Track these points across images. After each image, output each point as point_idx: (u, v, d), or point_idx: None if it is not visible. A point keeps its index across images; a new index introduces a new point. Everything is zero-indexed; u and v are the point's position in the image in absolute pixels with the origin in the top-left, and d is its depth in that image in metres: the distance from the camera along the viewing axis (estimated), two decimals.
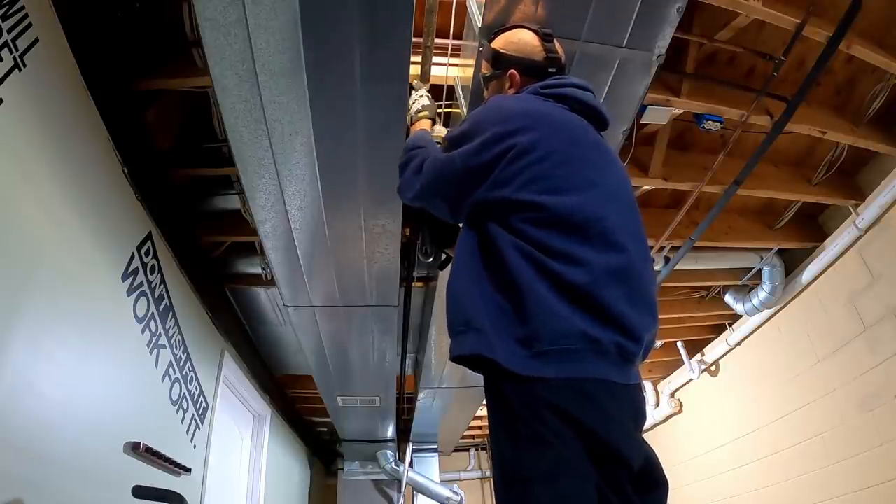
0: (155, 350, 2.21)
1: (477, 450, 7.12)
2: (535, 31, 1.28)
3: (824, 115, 2.53)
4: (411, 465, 5.50)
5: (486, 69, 1.33)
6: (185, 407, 2.52)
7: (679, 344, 4.53)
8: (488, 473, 6.96)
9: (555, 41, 1.28)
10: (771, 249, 3.32)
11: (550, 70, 1.22)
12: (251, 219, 2.08)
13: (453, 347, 0.94)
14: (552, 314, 0.85)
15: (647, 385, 5.13)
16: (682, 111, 2.34)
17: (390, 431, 4.87)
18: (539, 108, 1.09)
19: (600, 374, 0.85)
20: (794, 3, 1.98)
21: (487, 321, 0.89)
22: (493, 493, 0.89)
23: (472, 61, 1.59)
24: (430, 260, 1.54)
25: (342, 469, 5.65)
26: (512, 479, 0.83)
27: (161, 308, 2.27)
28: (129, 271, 2.00)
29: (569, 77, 1.23)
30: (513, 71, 1.23)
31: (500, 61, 1.28)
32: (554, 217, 0.93)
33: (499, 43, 1.30)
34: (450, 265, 1.62)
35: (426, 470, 5.79)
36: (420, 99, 1.56)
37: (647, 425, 1.01)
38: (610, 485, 0.80)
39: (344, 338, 2.90)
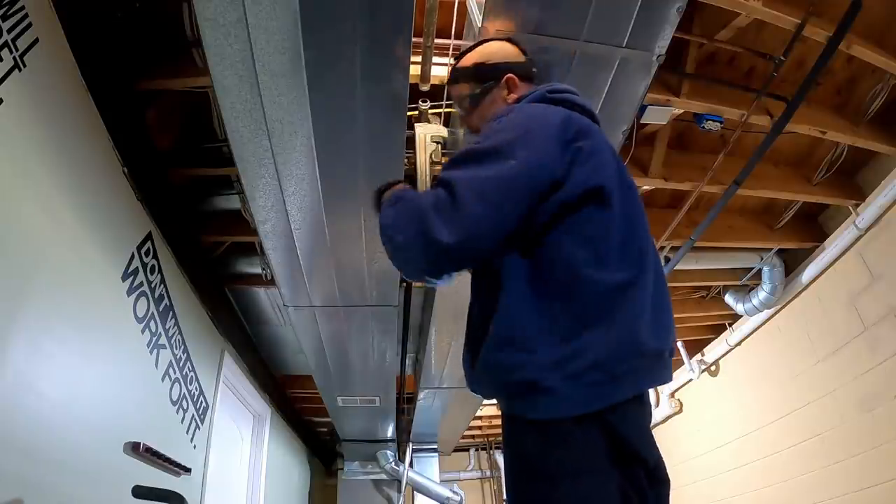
0: (155, 350, 2.21)
1: (477, 450, 7.11)
2: (505, 39, 1.25)
3: (824, 115, 2.54)
4: (411, 465, 5.50)
5: (471, 89, 1.20)
6: (185, 407, 2.52)
7: (679, 344, 4.52)
8: (488, 473, 6.97)
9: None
10: (771, 249, 3.32)
11: (534, 70, 1.20)
12: (251, 219, 2.08)
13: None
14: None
15: None
16: (682, 111, 2.34)
17: (390, 431, 4.87)
18: (570, 113, 1.03)
19: None
20: (794, 3, 1.98)
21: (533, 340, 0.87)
22: (508, 491, 0.88)
23: None
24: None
25: (342, 469, 5.65)
26: (536, 476, 0.83)
27: (161, 308, 2.27)
28: (129, 271, 2.00)
29: (558, 83, 1.19)
30: (510, 75, 1.16)
31: (489, 72, 1.19)
32: (609, 219, 0.91)
33: (476, 58, 1.22)
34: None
35: (426, 470, 5.79)
36: (433, 143, 1.37)
37: None
38: (630, 483, 0.81)
39: (344, 338, 2.90)
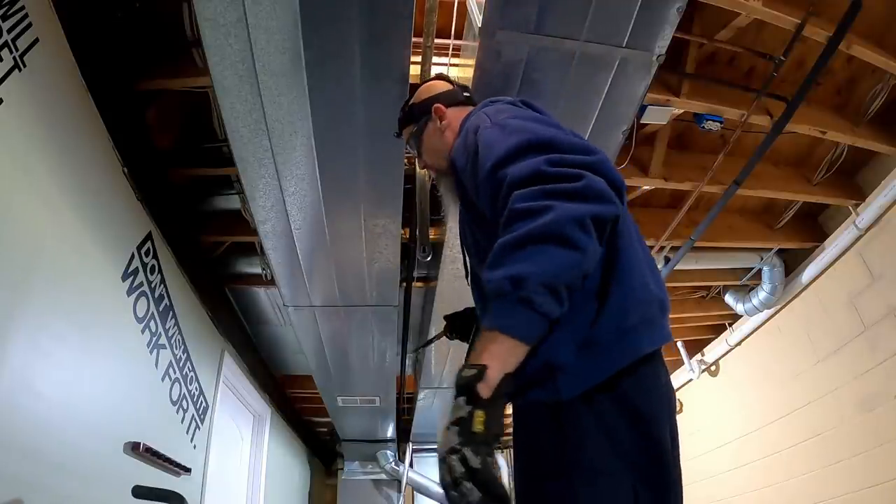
0: (155, 350, 2.21)
1: None
2: (434, 77, 1.33)
3: (824, 115, 2.53)
4: (411, 465, 5.50)
5: (411, 129, 1.28)
6: (185, 407, 2.52)
7: (679, 344, 4.52)
8: None
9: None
10: (771, 249, 3.32)
11: (465, 94, 1.25)
12: (251, 219, 2.08)
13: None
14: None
15: None
16: (682, 111, 2.34)
17: (390, 431, 4.87)
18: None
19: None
20: (794, 3, 1.98)
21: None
22: (518, 490, 0.87)
23: (471, 61, 1.59)
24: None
25: (342, 469, 5.65)
26: (550, 474, 0.81)
27: (161, 308, 2.27)
28: (129, 271, 2.00)
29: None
30: (436, 104, 1.21)
31: (418, 110, 1.26)
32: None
33: (412, 101, 1.30)
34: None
35: (426, 470, 5.78)
36: None
37: None
38: (644, 478, 0.80)
39: (344, 338, 2.90)
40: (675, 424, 0.89)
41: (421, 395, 4.06)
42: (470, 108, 1.17)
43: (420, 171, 2.27)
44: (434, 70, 1.84)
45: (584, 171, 0.77)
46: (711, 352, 4.41)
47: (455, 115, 1.18)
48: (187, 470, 2.44)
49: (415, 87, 1.37)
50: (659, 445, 0.81)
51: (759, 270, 3.47)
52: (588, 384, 0.81)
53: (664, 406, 0.86)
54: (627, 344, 0.82)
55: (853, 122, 2.57)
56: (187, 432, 2.56)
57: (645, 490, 0.79)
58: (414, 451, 5.63)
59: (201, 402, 2.76)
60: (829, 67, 2.23)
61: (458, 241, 1.51)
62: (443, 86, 1.29)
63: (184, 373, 2.52)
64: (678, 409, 3.91)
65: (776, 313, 3.65)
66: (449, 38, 1.90)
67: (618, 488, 0.78)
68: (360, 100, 1.54)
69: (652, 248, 3.06)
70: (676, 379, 4.85)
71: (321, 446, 6.20)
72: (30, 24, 1.40)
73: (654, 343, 0.85)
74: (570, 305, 0.80)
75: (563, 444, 0.80)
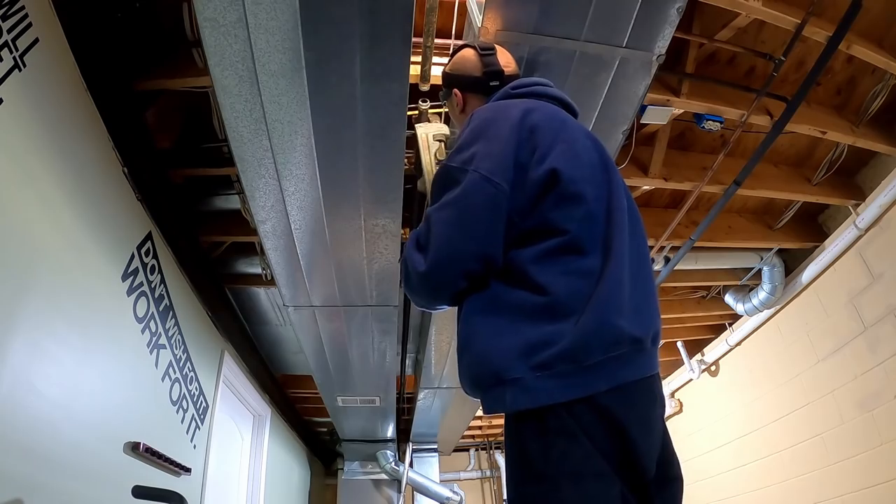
0: (155, 350, 2.21)
1: (477, 450, 7.11)
2: (474, 47, 1.28)
3: (824, 115, 2.54)
4: (411, 465, 5.50)
5: (445, 92, 1.33)
6: (185, 407, 2.52)
7: (679, 344, 4.53)
8: (488, 473, 6.96)
9: (498, 53, 1.26)
10: (771, 249, 3.32)
11: (493, 84, 1.21)
12: (251, 219, 2.08)
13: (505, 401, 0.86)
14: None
15: None
16: (682, 111, 2.34)
17: (390, 431, 4.87)
18: (529, 108, 1.04)
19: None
20: (794, 3, 1.98)
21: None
22: (509, 491, 0.87)
23: None
24: None
25: (342, 469, 5.65)
26: (537, 477, 0.81)
27: (161, 308, 2.27)
28: (128, 271, 2.00)
29: (529, 77, 1.22)
30: (455, 90, 1.26)
31: (446, 82, 1.31)
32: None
33: (449, 65, 1.33)
34: None
35: (426, 470, 5.79)
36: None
37: None
38: (630, 486, 0.80)
39: (344, 338, 2.90)
40: (667, 433, 0.89)
41: (421, 395, 4.06)
42: (487, 99, 1.17)
43: (427, 171, 2.27)
44: (434, 70, 1.84)
45: (421, 273, 0.94)
46: (711, 352, 4.42)
47: (472, 102, 1.25)
48: (187, 470, 2.43)
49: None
50: (641, 460, 0.81)
51: (759, 270, 3.47)
52: (538, 404, 0.80)
53: (648, 419, 0.85)
54: (582, 380, 0.80)
55: (853, 122, 2.57)
56: (187, 432, 2.56)
57: (633, 499, 0.79)
58: (414, 451, 5.62)
59: (201, 402, 2.76)
60: (829, 67, 2.24)
61: None
62: (472, 67, 1.25)
63: (184, 373, 2.52)
64: (678, 409, 3.91)
65: (776, 313, 3.65)
66: (449, 38, 1.90)
67: (604, 494, 0.78)
68: (361, 99, 1.54)
69: (652, 248, 3.06)
70: (676, 379, 4.86)
71: (321, 446, 6.20)
72: (30, 24, 1.40)
73: (612, 382, 0.81)
74: (519, 318, 0.85)
75: (548, 450, 0.80)
